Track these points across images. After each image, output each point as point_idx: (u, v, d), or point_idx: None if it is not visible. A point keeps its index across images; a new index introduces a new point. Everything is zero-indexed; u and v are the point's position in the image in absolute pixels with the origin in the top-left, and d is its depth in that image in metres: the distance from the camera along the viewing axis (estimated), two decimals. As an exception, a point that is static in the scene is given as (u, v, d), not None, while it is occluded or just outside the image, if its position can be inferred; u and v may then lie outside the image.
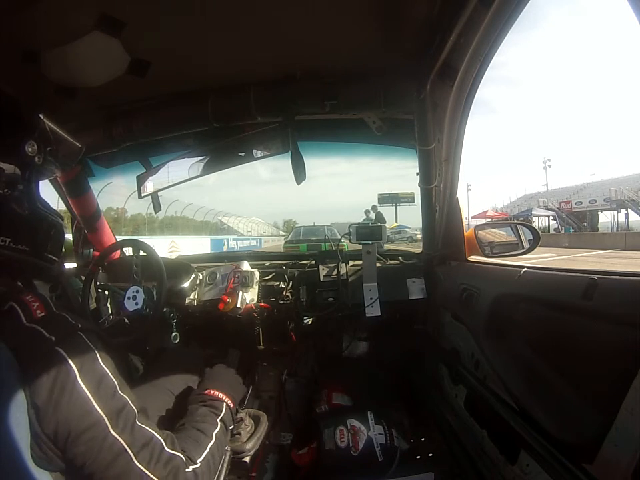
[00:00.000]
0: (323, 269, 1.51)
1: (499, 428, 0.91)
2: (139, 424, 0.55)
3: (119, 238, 1.73)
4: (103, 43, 0.88)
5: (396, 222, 19.47)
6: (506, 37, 0.75)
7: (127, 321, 1.25)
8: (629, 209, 22.08)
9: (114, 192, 10.30)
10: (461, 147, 1.09)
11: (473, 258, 1.31)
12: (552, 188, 33.23)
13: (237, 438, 0.98)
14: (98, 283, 1.43)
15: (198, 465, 0.61)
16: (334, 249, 1.56)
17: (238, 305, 1.35)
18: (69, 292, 1.43)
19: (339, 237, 1.51)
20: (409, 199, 19.65)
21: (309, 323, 1.47)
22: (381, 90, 1.11)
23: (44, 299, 0.56)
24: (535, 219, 24.44)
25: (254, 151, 1.32)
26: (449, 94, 0.94)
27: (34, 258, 0.62)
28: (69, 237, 1.65)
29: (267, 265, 1.67)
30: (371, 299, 1.38)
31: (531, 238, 1.30)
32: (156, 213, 1.69)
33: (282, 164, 1.28)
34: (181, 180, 1.44)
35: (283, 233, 29.29)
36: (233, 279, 1.39)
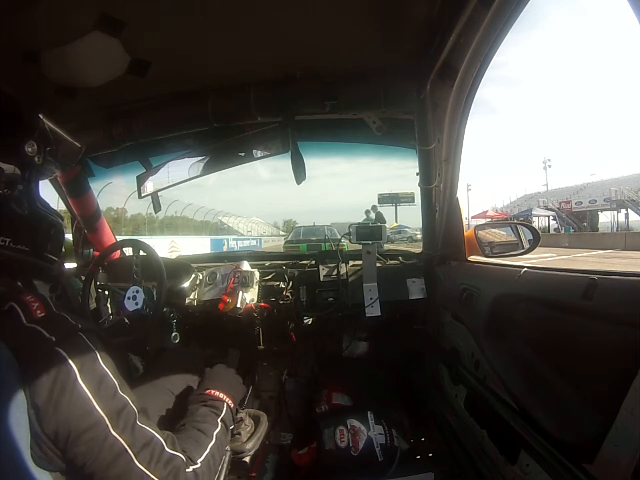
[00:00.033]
0: (323, 269, 1.51)
1: (499, 428, 0.91)
2: (140, 424, 0.55)
3: (119, 238, 1.73)
4: (103, 43, 0.88)
5: (396, 222, 19.48)
6: (506, 37, 0.75)
7: (126, 320, 1.25)
8: (628, 209, 22.08)
9: (114, 192, 10.31)
10: (461, 147, 1.09)
11: (472, 258, 1.31)
12: (552, 188, 33.28)
13: (236, 438, 0.98)
14: (98, 283, 1.43)
15: (198, 465, 0.61)
16: (334, 249, 1.56)
17: (238, 305, 1.35)
18: (69, 292, 1.43)
19: (339, 237, 1.51)
20: (408, 198, 19.65)
21: (309, 323, 1.47)
22: (381, 90, 1.11)
23: (44, 299, 0.56)
24: (534, 218, 24.45)
25: (254, 150, 1.32)
26: (449, 94, 0.94)
27: (34, 258, 0.62)
28: (69, 237, 1.65)
29: (266, 265, 1.67)
30: (371, 299, 1.38)
31: (531, 238, 1.30)
32: (156, 213, 1.69)
33: (282, 164, 1.29)
34: (181, 180, 1.44)
35: (283, 233, 29.29)
36: (233, 278, 1.39)
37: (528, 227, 1.35)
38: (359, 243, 1.40)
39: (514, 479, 0.83)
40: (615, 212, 22.84)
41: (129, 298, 1.25)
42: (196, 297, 1.48)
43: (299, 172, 1.24)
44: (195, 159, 1.42)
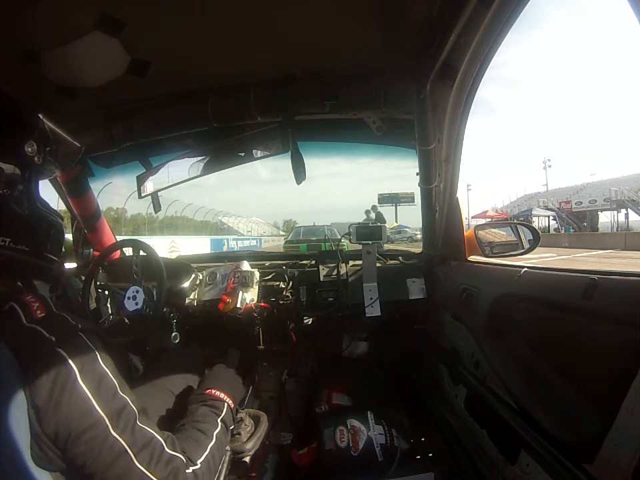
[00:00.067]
0: (323, 269, 1.51)
1: (499, 428, 0.91)
2: (140, 424, 0.55)
3: (119, 238, 1.73)
4: (104, 43, 0.88)
5: (396, 222, 19.48)
6: (506, 37, 0.75)
7: (127, 320, 1.25)
8: (628, 209, 22.08)
9: (114, 192, 10.32)
10: (461, 147, 1.09)
11: (473, 258, 1.31)
12: (552, 188, 33.27)
13: (236, 438, 0.98)
14: (98, 283, 1.43)
15: (198, 466, 0.61)
16: (334, 249, 1.56)
17: (238, 305, 1.35)
18: (69, 292, 1.43)
19: (339, 237, 1.51)
20: (408, 199, 19.66)
21: (309, 323, 1.46)
22: (381, 90, 1.11)
23: (44, 299, 0.56)
24: (535, 218, 24.45)
25: (254, 150, 1.32)
26: (449, 94, 0.94)
27: (34, 258, 0.62)
28: (68, 237, 1.65)
29: (267, 264, 1.67)
30: (371, 299, 1.38)
31: (531, 238, 1.30)
32: (156, 213, 1.69)
33: (282, 164, 1.29)
34: (181, 180, 1.44)
35: (283, 233, 29.29)
36: (233, 278, 1.39)
37: (528, 227, 1.35)
38: (359, 243, 1.40)
39: (514, 479, 0.83)
40: (615, 212, 22.85)
41: (129, 298, 1.25)
42: (196, 297, 1.48)
43: (299, 172, 1.24)
44: (195, 159, 1.42)
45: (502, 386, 0.91)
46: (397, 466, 1.10)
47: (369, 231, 1.39)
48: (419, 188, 1.29)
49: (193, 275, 1.51)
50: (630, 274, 0.63)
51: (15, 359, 0.48)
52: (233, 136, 1.34)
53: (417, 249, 1.71)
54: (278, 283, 1.55)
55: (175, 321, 1.43)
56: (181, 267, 1.54)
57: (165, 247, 11.03)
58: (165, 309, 1.37)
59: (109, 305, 1.44)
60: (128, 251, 1.61)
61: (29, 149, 0.58)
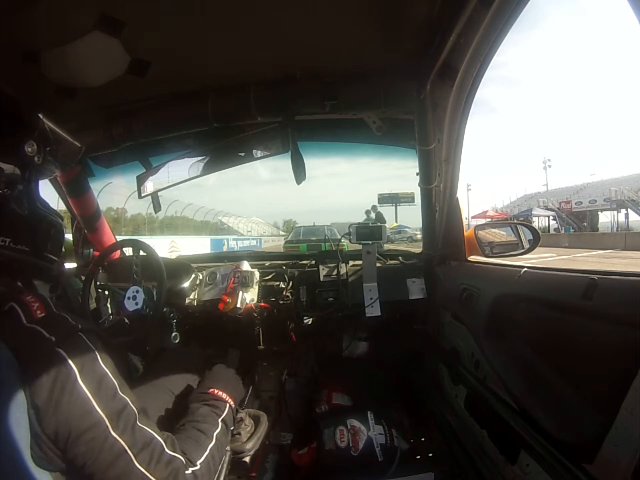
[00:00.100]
0: (323, 269, 1.51)
1: (499, 428, 0.91)
2: (140, 425, 0.55)
3: (119, 238, 1.73)
4: (103, 43, 0.88)
5: (396, 222, 19.49)
6: (506, 37, 0.75)
7: (127, 320, 1.25)
8: (628, 209, 22.08)
9: (114, 192, 10.33)
10: (461, 147, 1.09)
11: (473, 258, 1.31)
12: (552, 188, 33.28)
13: (237, 438, 0.98)
14: (98, 283, 1.43)
15: (198, 466, 0.61)
16: (334, 249, 1.56)
17: (238, 305, 1.35)
18: (69, 292, 1.43)
19: (339, 237, 1.51)
20: (408, 199, 19.67)
21: (309, 322, 1.46)
22: (381, 90, 1.11)
23: (44, 299, 0.56)
24: (535, 218, 24.45)
25: (254, 150, 1.32)
26: (449, 94, 0.94)
27: (34, 258, 0.62)
28: (68, 237, 1.65)
29: (267, 264, 1.67)
30: (371, 299, 1.38)
31: (531, 238, 1.30)
32: (156, 213, 1.69)
33: (282, 164, 1.29)
34: (181, 180, 1.44)
35: (283, 233, 29.30)
36: (233, 278, 1.39)
37: (528, 227, 1.35)
38: (359, 243, 1.40)
39: (514, 479, 0.83)
40: (615, 212, 22.85)
41: (128, 298, 1.25)
42: (196, 297, 1.48)
43: (299, 172, 1.24)
44: (195, 159, 1.42)
45: (502, 386, 0.91)
46: (397, 466, 1.10)
47: (369, 231, 1.39)
48: (419, 188, 1.29)
49: (193, 275, 1.51)
50: (630, 274, 0.62)
51: (15, 359, 0.48)
52: (232, 136, 1.34)
53: (417, 249, 1.71)
54: (278, 283, 1.55)
55: (174, 321, 1.43)
56: (181, 267, 1.54)
57: (165, 247, 11.03)
58: (165, 309, 1.37)
59: (108, 305, 1.44)
60: (128, 251, 1.61)
61: (29, 149, 0.58)
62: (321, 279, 1.49)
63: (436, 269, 1.43)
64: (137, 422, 0.55)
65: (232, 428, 0.85)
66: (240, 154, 1.35)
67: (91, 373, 0.53)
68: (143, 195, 1.52)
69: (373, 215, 7.99)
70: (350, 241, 1.43)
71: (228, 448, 0.90)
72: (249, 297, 1.41)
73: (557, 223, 26.02)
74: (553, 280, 0.81)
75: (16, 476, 0.47)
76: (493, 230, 1.43)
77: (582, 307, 0.66)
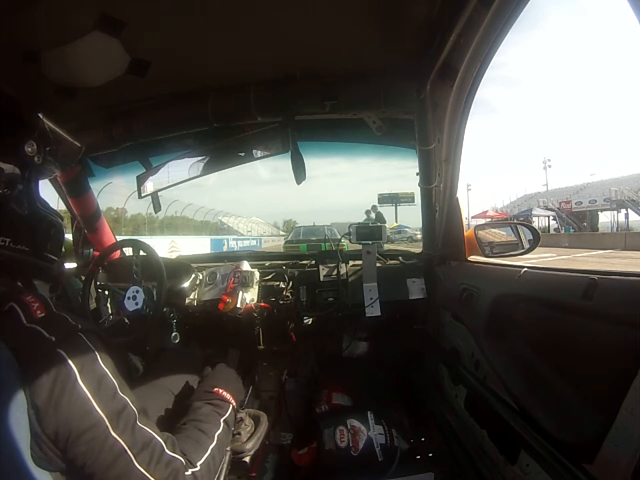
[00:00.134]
0: (323, 269, 1.51)
1: (499, 428, 0.91)
2: (140, 425, 0.55)
3: (119, 238, 1.73)
4: (103, 43, 0.88)
5: (396, 222, 19.49)
6: (506, 37, 0.75)
7: (127, 320, 1.25)
8: (628, 209, 22.08)
9: (114, 192, 10.32)
10: (461, 147, 1.09)
11: (473, 258, 1.31)
12: (552, 188, 33.27)
13: (237, 438, 0.97)
14: (98, 283, 1.43)
15: (198, 468, 0.61)
16: (334, 249, 1.56)
17: (238, 305, 1.35)
18: (69, 292, 1.43)
19: (339, 236, 1.51)
20: (408, 199, 19.67)
21: (309, 323, 1.46)
22: (381, 90, 1.11)
23: (44, 299, 0.56)
24: (535, 218, 24.45)
25: (254, 150, 1.32)
26: (449, 94, 0.94)
27: (34, 258, 0.62)
28: (68, 237, 1.65)
29: (267, 264, 1.67)
30: (371, 299, 1.38)
31: (531, 238, 1.30)
32: (156, 213, 1.69)
33: (282, 164, 1.29)
34: (181, 180, 1.44)
35: (283, 233, 29.30)
36: (233, 279, 1.39)
37: (528, 227, 1.35)
38: (359, 243, 1.40)
39: (514, 479, 0.83)
40: (615, 212, 22.84)
41: (129, 298, 1.25)
42: (196, 296, 1.48)
43: (299, 172, 1.24)
44: (195, 159, 1.42)
45: (502, 386, 0.91)
46: (397, 466, 1.10)
47: (369, 231, 1.39)
48: (419, 188, 1.29)
49: (193, 275, 1.51)
50: (630, 274, 0.63)
51: (15, 359, 0.48)
52: (232, 136, 1.34)
53: (417, 249, 1.71)
54: (278, 283, 1.55)
55: (175, 321, 1.43)
56: (181, 267, 1.54)
57: (165, 247, 11.03)
58: (165, 309, 1.37)
59: (109, 305, 1.44)
60: (128, 251, 1.61)
61: (29, 149, 0.58)
62: (321, 279, 1.49)
63: (436, 269, 1.43)
64: (137, 422, 0.55)
65: (232, 428, 0.85)
66: (240, 154, 1.35)
67: (91, 373, 0.53)
68: (143, 195, 1.52)
69: (373, 215, 7.99)
70: (350, 241, 1.43)
71: (228, 448, 0.90)
72: (249, 296, 1.41)
73: (556, 223, 26.02)
74: (553, 280, 0.81)
75: (16, 476, 0.47)
76: (493, 230, 1.43)
77: (582, 307, 0.66)
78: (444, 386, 1.32)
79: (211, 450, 0.67)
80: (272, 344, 1.65)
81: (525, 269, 0.91)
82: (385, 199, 20.92)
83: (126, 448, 0.52)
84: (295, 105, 1.17)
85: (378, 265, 1.48)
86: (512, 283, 0.92)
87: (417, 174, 1.26)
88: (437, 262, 1.44)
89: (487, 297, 1.02)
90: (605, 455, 0.57)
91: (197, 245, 12.89)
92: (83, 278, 1.44)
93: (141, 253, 1.31)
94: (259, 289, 1.47)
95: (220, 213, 22.32)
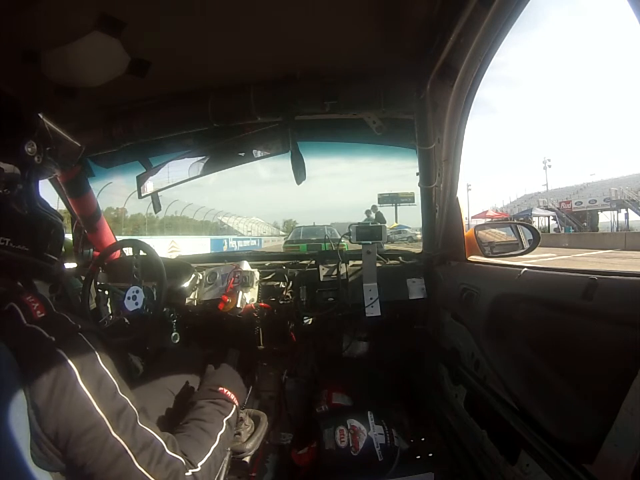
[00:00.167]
0: (323, 269, 1.51)
1: (499, 428, 0.91)
2: (140, 425, 0.55)
3: (119, 238, 1.73)
4: (104, 43, 0.88)
5: (396, 222, 19.49)
6: (506, 37, 0.75)
7: (126, 320, 1.25)
8: (628, 209, 22.08)
9: (114, 192, 10.33)
10: (461, 147, 1.09)
11: (473, 258, 1.31)
12: (552, 188, 33.28)
13: (237, 438, 0.97)
14: (98, 283, 1.43)
15: (198, 468, 0.61)
16: (334, 249, 1.56)
17: (238, 305, 1.35)
18: (69, 292, 1.43)
19: (339, 237, 1.51)
20: (408, 199, 19.68)
21: (309, 323, 1.46)
22: (381, 90, 1.11)
23: (44, 299, 0.56)
24: (534, 218, 24.45)
25: (254, 150, 1.32)
26: (449, 94, 0.94)
27: (34, 258, 0.62)
28: (68, 237, 1.65)
29: (267, 264, 1.67)
30: (371, 299, 1.38)
31: (531, 238, 1.30)
32: (156, 213, 1.69)
33: (282, 164, 1.29)
34: (181, 180, 1.44)
35: (283, 233, 29.31)
36: (233, 278, 1.39)
37: (528, 227, 1.35)
38: (359, 243, 1.40)
39: (514, 479, 0.83)
40: (615, 212, 22.85)
41: (128, 298, 1.25)
42: (196, 296, 1.48)
43: (299, 172, 1.24)
44: (195, 159, 1.42)
45: (502, 386, 0.91)
46: (397, 466, 1.10)
47: (369, 231, 1.39)
48: (419, 188, 1.29)
49: (193, 275, 1.51)
50: (630, 274, 0.62)
51: (15, 359, 0.48)
52: (233, 136, 1.34)
53: (417, 249, 1.71)
54: (278, 283, 1.55)
55: (175, 321, 1.43)
56: (181, 267, 1.54)
57: (165, 247, 11.03)
58: (165, 309, 1.37)
59: (109, 305, 1.44)
60: (128, 251, 1.61)
61: (29, 149, 0.58)
62: (321, 279, 1.49)
63: (436, 269, 1.43)
64: (138, 422, 0.55)
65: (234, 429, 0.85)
66: (240, 154, 1.35)
67: (91, 373, 0.52)
68: (143, 195, 1.52)
69: (373, 215, 7.98)
70: (350, 241, 1.43)
71: (228, 448, 0.90)
72: (249, 297, 1.41)
73: (557, 222, 26.02)
74: (552, 280, 0.81)
75: (16, 476, 0.47)
76: (493, 230, 1.43)
77: (582, 306, 0.66)
78: (444, 386, 1.32)
79: (213, 450, 0.67)
80: (272, 344, 1.65)
81: (525, 269, 0.91)
82: (384, 198, 20.93)
83: (126, 448, 0.52)
84: (295, 105, 1.17)
85: (378, 265, 1.48)
86: (512, 283, 0.92)
87: (417, 174, 1.26)
88: (437, 262, 1.44)
89: (487, 296, 1.02)
90: (605, 455, 0.57)
91: (196, 245, 12.90)
92: (83, 278, 1.44)
93: (141, 252, 1.31)
94: (258, 289, 1.47)
95: (220, 213, 22.33)
